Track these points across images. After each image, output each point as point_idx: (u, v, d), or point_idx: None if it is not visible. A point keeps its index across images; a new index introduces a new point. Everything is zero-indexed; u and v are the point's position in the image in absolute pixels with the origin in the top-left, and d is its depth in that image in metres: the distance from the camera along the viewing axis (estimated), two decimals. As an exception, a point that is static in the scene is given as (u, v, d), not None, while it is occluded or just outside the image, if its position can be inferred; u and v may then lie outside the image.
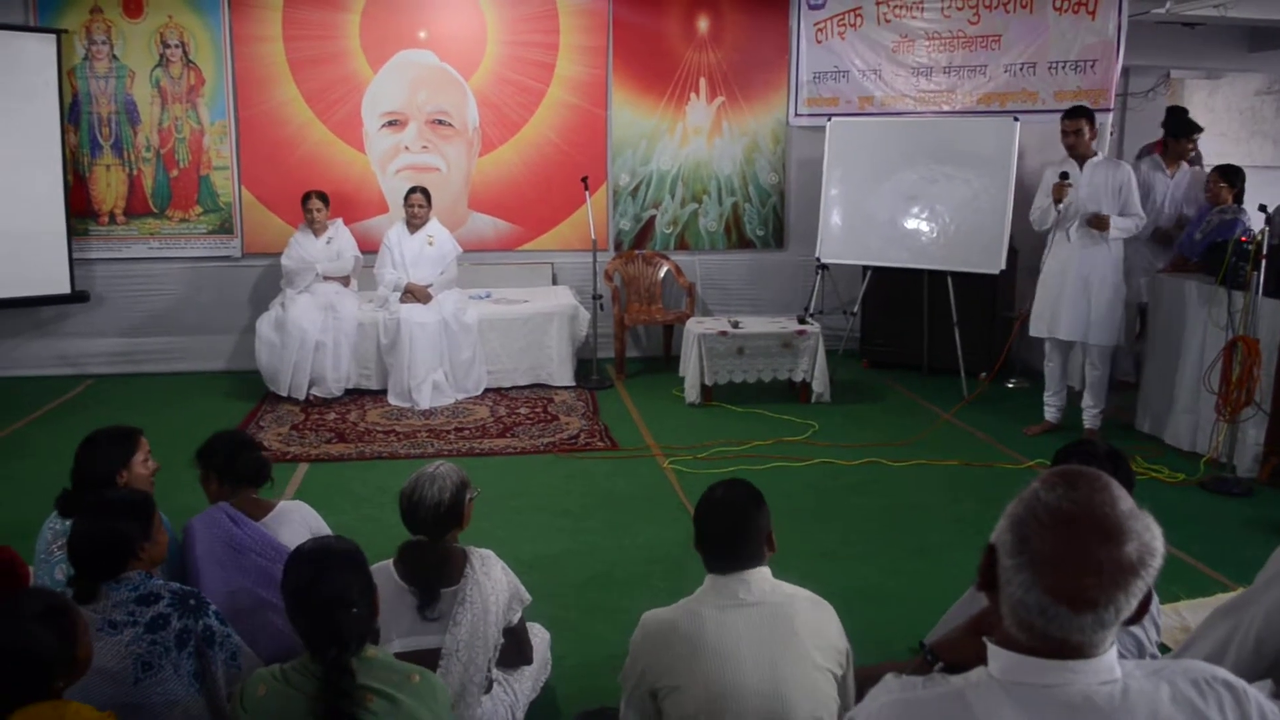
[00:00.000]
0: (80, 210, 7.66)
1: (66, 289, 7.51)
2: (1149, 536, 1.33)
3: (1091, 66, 7.33)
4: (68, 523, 3.07)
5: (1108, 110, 7.38)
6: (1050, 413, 6.38)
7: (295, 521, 3.27)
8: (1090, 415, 6.18)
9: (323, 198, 7.30)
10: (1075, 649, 1.34)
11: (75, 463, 3.16)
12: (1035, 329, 6.29)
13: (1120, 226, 5.91)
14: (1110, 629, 1.33)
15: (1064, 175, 5.99)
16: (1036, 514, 1.34)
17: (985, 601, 1.48)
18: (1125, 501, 1.34)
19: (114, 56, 7.60)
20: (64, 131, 7.42)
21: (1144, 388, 6.40)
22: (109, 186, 7.74)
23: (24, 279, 7.31)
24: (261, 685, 2.21)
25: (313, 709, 2.13)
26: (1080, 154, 5.98)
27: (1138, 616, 1.34)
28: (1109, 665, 1.36)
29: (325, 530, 3.34)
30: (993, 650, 1.40)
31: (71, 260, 7.51)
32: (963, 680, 1.42)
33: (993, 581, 1.40)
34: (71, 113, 7.55)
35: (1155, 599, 1.53)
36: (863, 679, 2.84)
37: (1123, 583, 1.31)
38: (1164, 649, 3.44)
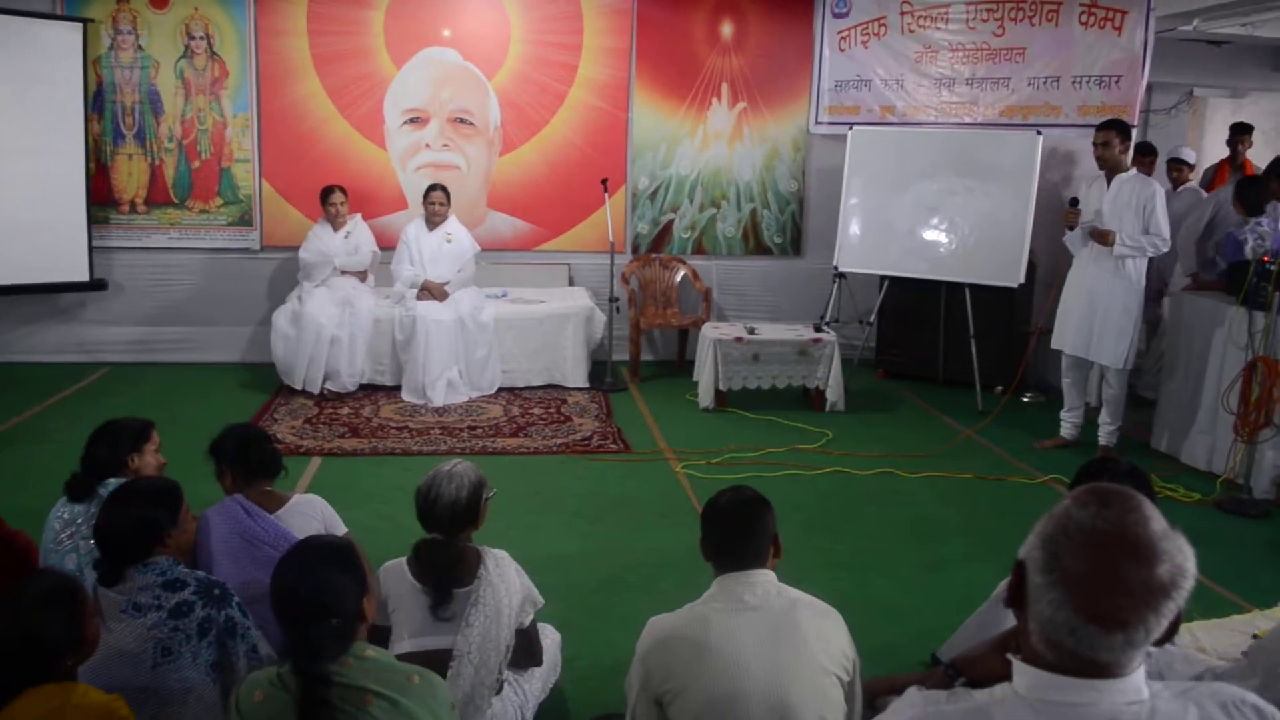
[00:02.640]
0: (101, 199, 7.69)
1: (85, 277, 7.55)
2: (1181, 558, 1.32)
3: (1116, 82, 7.30)
4: (77, 509, 3.09)
5: (1131, 126, 7.33)
6: (1066, 429, 6.35)
7: (308, 515, 3.28)
8: (1106, 432, 6.14)
9: (344, 192, 7.31)
10: (1103, 668, 1.32)
11: (87, 449, 3.23)
12: (1054, 341, 6.29)
13: (1130, 244, 5.79)
14: (1139, 649, 1.32)
15: (1074, 201, 6.02)
16: (1068, 532, 1.33)
17: (1002, 615, 1.46)
18: (1158, 522, 1.33)
19: (139, 47, 7.63)
20: (87, 120, 7.45)
21: (1161, 406, 6.36)
22: (130, 176, 7.77)
23: (44, 266, 7.35)
24: (258, 691, 2.16)
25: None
26: (1110, 167, 5.93)
27: (1167, 637, 1.33)
28: (1136, 686, 1.34)
29: (338, 524, 3.35)
30: (1019, 667, 1.39)
31: (91, 248, 7.55)
32: (988, 696, 1.41)
33: (1021, 598, 1.39)
34: (95, 101, 7.59)
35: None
36: (875, 690, 2.83)
37: (1154, 604, 1.29)
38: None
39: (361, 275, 7.38)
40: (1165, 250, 5.93)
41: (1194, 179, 7.80)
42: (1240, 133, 8.05)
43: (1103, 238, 5.86)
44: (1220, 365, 5.78)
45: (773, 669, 2.35)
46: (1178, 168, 7.60)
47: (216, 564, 3.03)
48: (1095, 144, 5.97)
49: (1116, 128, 5.92)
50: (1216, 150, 10.02)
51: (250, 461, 3.29)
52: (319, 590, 2.17)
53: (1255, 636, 3.90)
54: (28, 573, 3.10)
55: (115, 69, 7.63)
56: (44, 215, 7.28)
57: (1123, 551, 1.30)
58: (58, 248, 7.38)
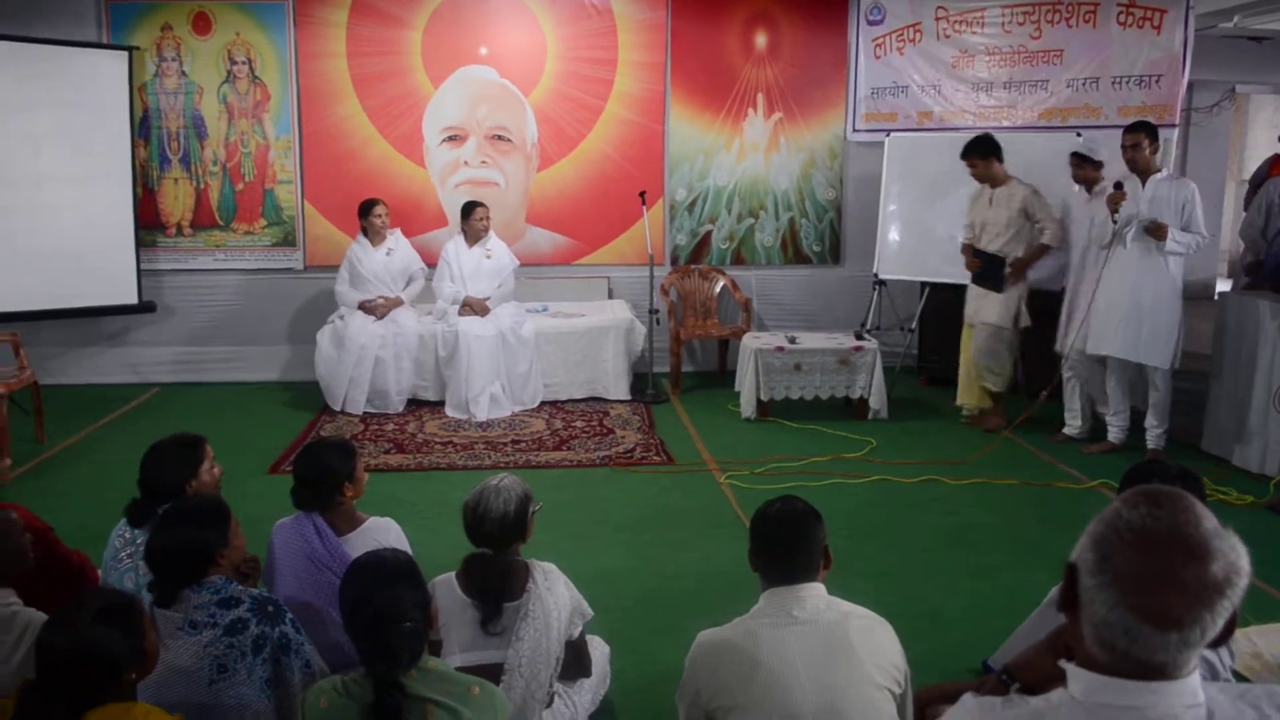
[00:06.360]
0: (148, 222, 7.84)
1: (134, 299, 7.68)
2: (1235, 556, 1.31)
3: (1156, 81, 7.22)
4: (137, 531, 3.12)
5: (1173, 126, 7.26)
6: (1113, 433, 6.27)
7: (375, 542, 3.24)
8: (1154, 435, 6.06)
9: (385, 205, 7.37)
10: (1159, 670, 1.31)
11: (142, 472, 3.15)
12: (1092, 346, 6.15)
13: (1179, 240, 5.75)
14: (1194, 650, 1.31)
15: (1118, 185, 5.89)
16: (1119, 532, 1.32)
17: (1055, 621, 1.45)
18: (1209, 521, 1.32)
19: (183, 73, 7.78)
20: (134, 146, 7.61)
21: (1211, 408, 6.27)
22: (176, 199, 7.92)
23: (94, 290, 7.49)
24: (323, 697, 2.25)
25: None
26: (1141, 169, 5.87)
27: (1223, 638, 1.32)
28: (1193, 688, 1.33)
29: (406, 550, 3.32)
30: (1073, 671, 1.38)
31: (139, 271, 7.69)
32: (1043, 701, 1.40)
33: (1073, 601, 1.38)
34: (141, 127, 7.74)
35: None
36: (925, 699, 2.81)
37: (1208, 602, 1.28)
38: (1238, 676, 3.37)
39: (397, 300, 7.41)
40: (1205, 246, 5.88)
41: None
42: None
43: (1157, 231, 5.78)
44: (1270, 366, 5.70)
45: (824, 685, 2.33)
46: (1079, 164, 6.27)
47: (279, 576, 3.06)
48: (1125, 146, 5.90)
49: (1145, 129, 5.87)
50: (1260, 146, 9.88)
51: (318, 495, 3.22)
52: (390, 597, 2.25)
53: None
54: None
55: (160, 95, 7.78)
56: (93, 240, 7.43)
57: (1175, 550, 1.29)
58: (107, 271, 7.53)
